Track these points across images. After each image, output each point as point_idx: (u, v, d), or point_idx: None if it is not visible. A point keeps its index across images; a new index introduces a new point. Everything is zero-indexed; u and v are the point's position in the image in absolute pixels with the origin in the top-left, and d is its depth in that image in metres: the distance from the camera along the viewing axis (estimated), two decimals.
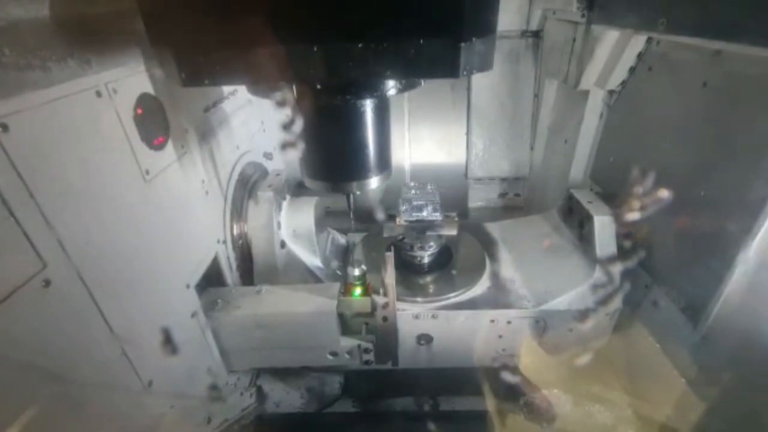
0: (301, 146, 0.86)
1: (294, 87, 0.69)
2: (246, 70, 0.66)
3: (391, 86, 0.78)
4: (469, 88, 2.08)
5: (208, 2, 0.60)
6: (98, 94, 0.84)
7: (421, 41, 0.62)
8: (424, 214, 1.44)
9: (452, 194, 2.16)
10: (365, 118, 0.80)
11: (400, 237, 1.51)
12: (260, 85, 0.78)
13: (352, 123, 0.81)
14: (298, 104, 0.77)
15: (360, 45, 0.61)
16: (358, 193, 0.95)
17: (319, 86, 0.69)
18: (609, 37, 1.41)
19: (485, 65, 0.71)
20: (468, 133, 2.18)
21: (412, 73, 0.66)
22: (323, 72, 0.63)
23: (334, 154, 0.86)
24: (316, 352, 1.31)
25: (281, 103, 0.76)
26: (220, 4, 0.60)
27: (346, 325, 1.28)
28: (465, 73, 0.67)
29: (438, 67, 0.65)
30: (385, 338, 1.28)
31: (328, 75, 0.64)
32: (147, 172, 0.98)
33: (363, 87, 0.76)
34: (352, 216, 1.12)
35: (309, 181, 0.91)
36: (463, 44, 0.63)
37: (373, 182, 0.91)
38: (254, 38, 0.60)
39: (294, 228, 1.54)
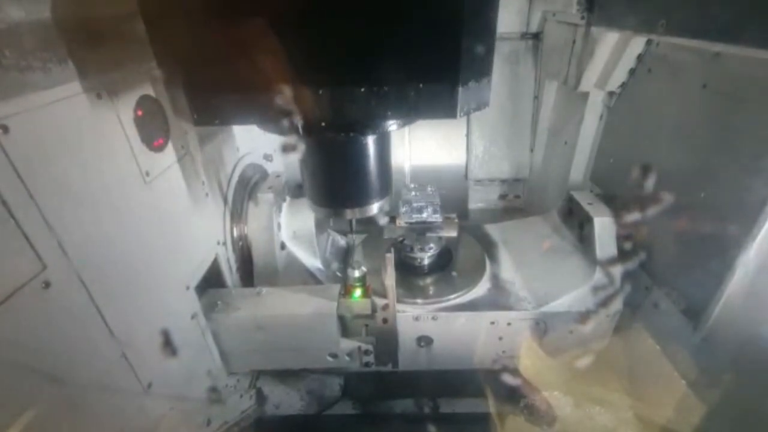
0: (306, 176, 0.92)
1: (300, 125, 0.74)
2: (255, 112, 0.70)
3: (390, 123, 0.83)
4: None
5: (222, 54, 0.65)
6: (98, 95, 0.84)
7: (421, 85, 0.66)
8: (424, 215, 1.44)
9: (452, 196, 2.16)
10: (367, 152, 0.86)
11: (400, 238, 1.51)
12: (268, 124, 0.83)
13: (354, 156, 0.86)
14: (303, 139, 0.83)
15: (363, 89, 0.65)
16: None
17: (323, 124, 0.73)
18: (609, 38, 1.41)
19: (482, 104, 0.75)
20: (468, 135, 2.18)
21: (412, 114, 0.70)
22: (328, 113, 0.68)
23: (337, 184, 0.91)
24: (316, 353, 1.31)
25: (288, 138, 0.81)
26: (233, 56, 0.64)
27: (346, 327, 1.28)
28: (462, 113, 0.71)
29: (437, 109, 0.69)
30: (385, 340, 1.28)
31: (333, 116, 0.68)
32: (147, 174, 0.98)
33: (365, 125, 0.80)
34: (353, 238, 1.14)
35: (313, 207, 0.96)
36: (460, 87, 0.67)
37: (374, 208, 0.95)
38: (264, 84, 0.64)
39: (294, 229, 1.54)
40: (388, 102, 0.67)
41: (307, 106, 0.66)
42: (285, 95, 0.65)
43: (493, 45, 0.74)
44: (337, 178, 0.90)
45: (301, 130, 0.75)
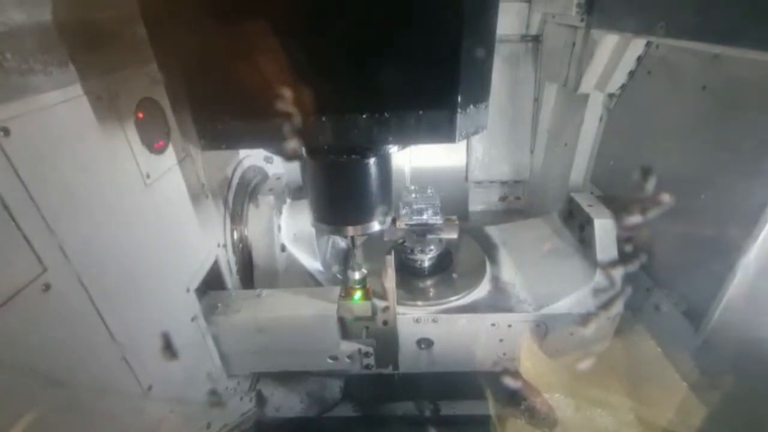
0: (309, 193, 0.95)
1: (304, 148, 0.77)
2: (260, 138, 0.73)
3: (391, 147, 0.86)
4: None
5: (229, 81, 0.68)
6: (99, 98, 0.84)
7: (421, 112, 0.69)
8: (425, 217, 1.43)
9: (453, 197, 2.16)
10: (368, 173, 0.88)
11: (401, 240, 1.51)
12: (274, 148, 0.88)
13: (355, 177, 0.89)
14: (307, 161, 0.87)
15: (365, 116, 0.68)
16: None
17: (326, 147, 0.77)
18: (608, 41, 1.41)
19: (480, 128, 0.78)
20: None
21: (412, 140, 0.73)
22: (331, 138, 0.70)
23: (339, 203, 0.94)
24: (317, 356, 1.31)
25: (292, 159, 0.85)
26: (240, 84, 0.67)
27: (346, 329, 1.27)
28: (461, 138, 0.73)
29: (437, 134, 0.72)
30: (385, 342, 1.27)
31: (336, 141, 0.71)
32: (147, 176, 0.98)
33: (366, 148, 0.84)
34: (355, 254, 1.19)
35: (315, 223, 0.99)
36: (459, 114, 0.70)
37: (375, 225, 0.96)
38: (270, 112, 0.66)
39: (294, 232, 1.54)
40: (389, 128, 0.69)
41: (311, 131, 0.69)
42: (290, 122, 0.67)
43: (490, 73, 0.77)
44: (339, 198, 0.93)
45: (304, 153, 0.79)
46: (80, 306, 0.79)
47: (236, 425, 1.44)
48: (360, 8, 0.62)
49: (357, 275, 1.23)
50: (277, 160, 1.81)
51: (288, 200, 1.56)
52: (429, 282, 1.49)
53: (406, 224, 1.43)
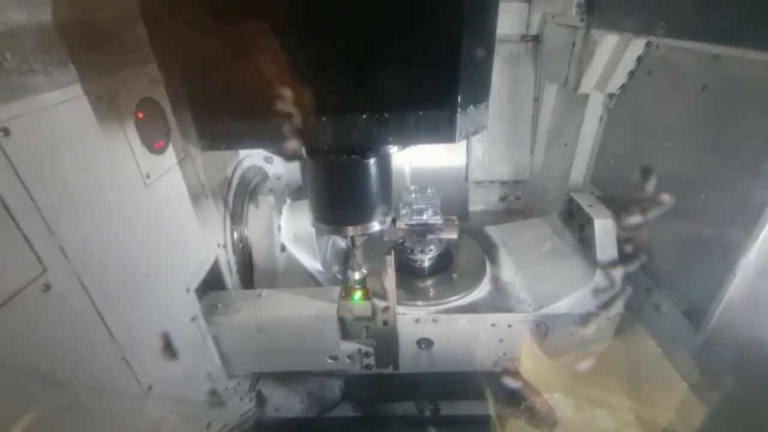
0: (309, 193, 0.95)
1: (304, 149, 0.77)
2: (261, 138, 0.73)
3: (391, 147, 0.86)
4: None
5: (230, 82, 0.68)
6: (99, 98, 0.84)
7: (421, 112, 0.69)
8: (425, 217, 1.43)
9: (453, 197, 2.16)
10: (368, 173, 0.89)
11: (401, 240, 1.51)
12: (274, 148, 0.88)
13: (355, 177, 0.89)
14: (307, 161, 0.87)
15: (364, 116, 0.68)
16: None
17: (326, 147, 0.77)
18: (608, 41, 1.41)
19: (480, 128, 0.79)
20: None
21: (412, 140, 0.74)
22: (331, 139, 0.71)
23: (339, 203, 0.94)
24: (317, 356, 1.31)
25: (292, 159, 0.85)
26: (241, 85, 0.67)
27: (346, 329, 1.27)
28: (461, 138, 0.73)
29: (437, 134, 0.72)
30: (385, 342, 1.27)
31: (335, 141, 0.71)
32: (147, 176, 0.98)
33: (365, 148, 0.84)
34: (355, 254, 1.20)
35: (315, 223, 1.00)
36: (459, 114, 0.70)
37: (375, 225, 0.96)
38: (270, 112, 0.67)
39: (294, 232, 1.54)
40: (388, 128, 0.69)
41: (311, 131, 0.69)
42: (290, 122, 0.68)
43: (490, 73, 0.77)
44: (339, 198, 0.93)
45: (304, 153, 0.79)
46: (80, 306, 0.79)
47: (236, 425, 1.44)
48: (360, 8, 0.62)
49: (357, 275, 1.23)
50: (277, 160, 1.81)
51: (288, 200, 1.56)
52: (429, 282, 1.49)
53: (406, 224, 1.43)
